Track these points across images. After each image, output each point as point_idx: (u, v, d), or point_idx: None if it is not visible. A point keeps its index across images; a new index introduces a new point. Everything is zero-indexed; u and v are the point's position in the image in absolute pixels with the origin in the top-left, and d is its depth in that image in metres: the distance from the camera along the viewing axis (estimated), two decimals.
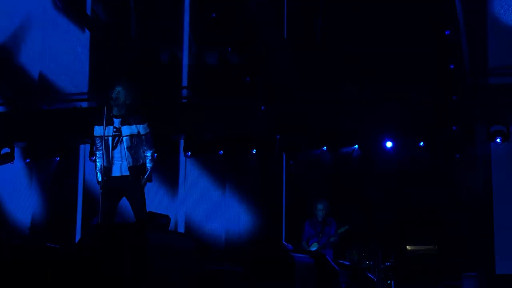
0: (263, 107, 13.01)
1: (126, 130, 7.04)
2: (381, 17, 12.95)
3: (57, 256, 3.36)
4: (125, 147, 6.99)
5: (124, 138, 7.02)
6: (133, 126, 7.07)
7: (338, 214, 12.02)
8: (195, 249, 3.51)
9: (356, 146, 13.72)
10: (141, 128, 7.10)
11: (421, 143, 13.30)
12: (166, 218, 4.03)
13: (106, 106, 7.05)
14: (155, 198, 13.12)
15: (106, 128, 7.02)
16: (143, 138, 7.12)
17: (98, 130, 7.13)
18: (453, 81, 12.24)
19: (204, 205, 14.36)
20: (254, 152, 13.96)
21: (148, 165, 7.19)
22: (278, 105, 13.26)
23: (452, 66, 11.93)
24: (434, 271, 12.29)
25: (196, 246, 3.52)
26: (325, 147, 13.88)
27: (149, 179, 7.20)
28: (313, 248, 11.00)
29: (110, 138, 7.03)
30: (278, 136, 13.46)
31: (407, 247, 12.33)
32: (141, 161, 7.10)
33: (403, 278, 11.81)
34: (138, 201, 7.03)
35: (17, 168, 14.80)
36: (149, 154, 7.22)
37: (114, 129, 7.06)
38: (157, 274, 3.27)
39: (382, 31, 12.94)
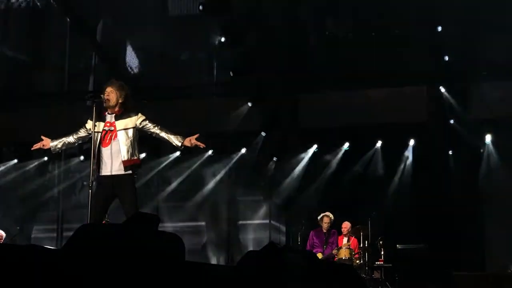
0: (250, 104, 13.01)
1: (120, 124, 6.99)
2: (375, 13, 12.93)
3: (44, 257, 3.31)
4: (120, 142, 6.91)
5: (119, 133, 6.94)
6: (128, 119, 7.01)
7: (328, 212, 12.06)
8: (182, 248, 3.49)
9: (347, 144, 13.71)
10: (137, 119, 7.03)
11: (412, 141, 13.32)
12: (155, 218, 3.99)
13: (95, 103, 6.99)
14: None
15: (98, 125, 6.96)
16: (145, 123, 7.03)
17: (90, 123, 7.07)
18: (448, 75, 12.25)
19: None
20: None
21: (168, 134, 7.09)
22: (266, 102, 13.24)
23: (447, 59, 11.99)
24: (425, 269, 12.29)
25: (183, 245, 3.50)
26: (315, 146, 13.87)
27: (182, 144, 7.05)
28: None
29: (100, 135, 6.93)
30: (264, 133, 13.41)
31: (397, 246, 12.32)
32: (136, 155, 7.01)
33: (393, 277, 11.80)
34: (129, 200, 6.92)
35: None
36: (160, 130, 7.10)
37: (108, 124, 6.99)
38: (146, 273, 3.24)
39: (375, 27, 12.92)
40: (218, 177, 14.37)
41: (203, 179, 14.44)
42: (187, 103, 14.04)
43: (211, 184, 14.39)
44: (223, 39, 12.57)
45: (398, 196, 13.12)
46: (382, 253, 11.66)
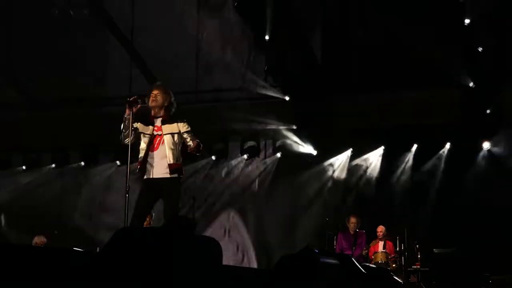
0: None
1: (167, 128, 7.12)
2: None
3: (81, 260, 3.36)
4: (166, 145, 7.05)
5: (165, 137, 7.08)
6: (174, 124, 7.16)
7: (362, 217, 12.00)
8: (219, 251, 3.51)
9: (382, 147, 13.62)
10: (182, 126, 7.17)
11: (448, 144, 13.20)
12: (192, 222, 4.03)
13: (140, 106, 7.13)
14: None
15: (148, 128, 7.12)
16: (186, 135, 7.16)
17: (140, 127, 7.19)
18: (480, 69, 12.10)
19: None
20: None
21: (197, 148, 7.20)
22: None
23: (480, 50, 11.85)
24: (462, 274, 12.16)
25: (220, 248, 3.52)
26: (350, 149, 13.80)
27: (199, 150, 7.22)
28: None
29: (149, 138, 7.08)
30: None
31: (434, 250, 12.20)
32: (180, 160, 7.13)
33: (429, 280, 11.70)
34: (170, 203, 7.02)
35: None
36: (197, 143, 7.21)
37: (156, 129, 7.13)
38: (182, 276, 3.26)
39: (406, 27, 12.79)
40: (255, 180, 14.36)
41: (241, 181, 14.41)
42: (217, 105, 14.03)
43: (250, 187, 14.38)
44: (266, 37, 12.51)
45: (434, 199, 12.98)
46: (419, 256, 11.56)
